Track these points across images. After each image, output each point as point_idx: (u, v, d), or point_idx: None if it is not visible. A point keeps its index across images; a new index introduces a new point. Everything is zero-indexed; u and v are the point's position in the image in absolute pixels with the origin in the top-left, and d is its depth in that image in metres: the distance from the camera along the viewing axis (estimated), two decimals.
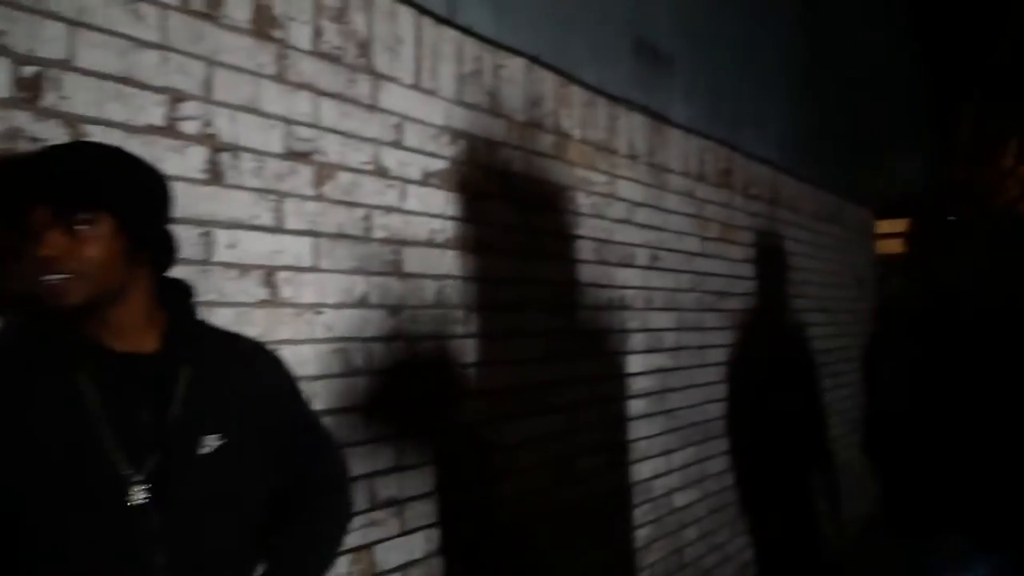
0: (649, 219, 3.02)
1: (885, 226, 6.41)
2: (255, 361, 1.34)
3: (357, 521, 1.82)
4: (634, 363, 2.88)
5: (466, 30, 2.15)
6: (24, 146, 1.27)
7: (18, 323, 1.18)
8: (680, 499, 3.17)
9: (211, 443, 1.17)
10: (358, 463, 1.83)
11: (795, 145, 4.33)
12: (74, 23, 1.33)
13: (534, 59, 2.40)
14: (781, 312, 4.15)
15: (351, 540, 1.81)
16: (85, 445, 1.07)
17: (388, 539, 1.93)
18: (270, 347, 1.40)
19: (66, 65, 1.32)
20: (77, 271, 1.05)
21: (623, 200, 2.86)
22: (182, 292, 1.25)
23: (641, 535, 2.90)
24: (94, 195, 1.07)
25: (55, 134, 1.31)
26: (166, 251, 1.22)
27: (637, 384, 2.90)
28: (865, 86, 5.43)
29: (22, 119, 1.27)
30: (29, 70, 1.28)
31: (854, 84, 5.24)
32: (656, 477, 3.01)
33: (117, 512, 1.08)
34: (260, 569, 1.29)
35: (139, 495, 1.09)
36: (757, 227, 3.93)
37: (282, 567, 1.31)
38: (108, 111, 1.38)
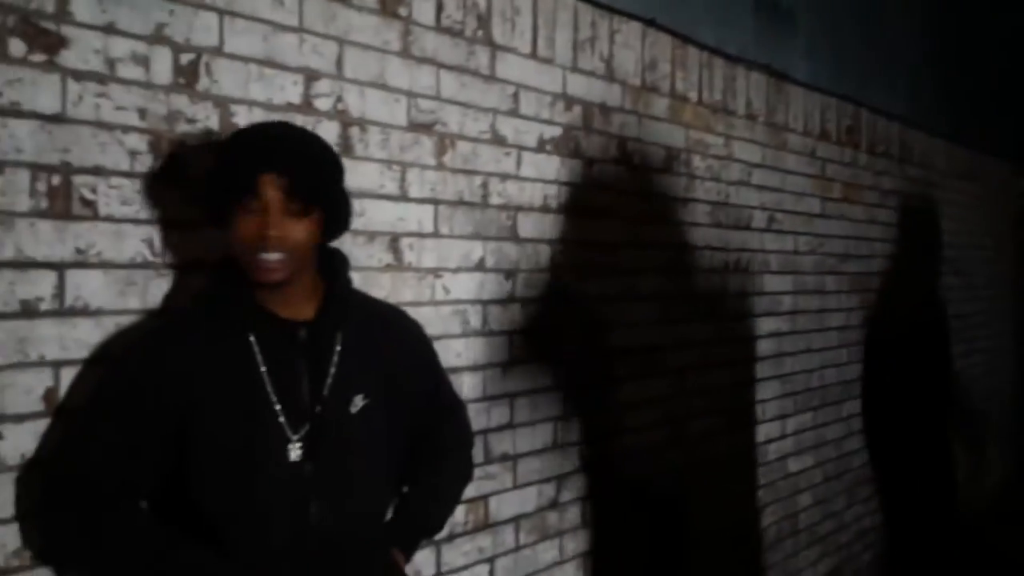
0: (767, 180, 2.96)
1: None
2: (398, 329, 1.44)
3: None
4: (749, 327, 2.86)
5: None
6: (183, 127, 1.40)
7: (196, 295, 1.32)
8: (794, 464, 3.15)
9: (358, 403, 1.29)
10: (474, 419, 1.92)
11: (927, 98, 4.09)
12: (224, 12, 1.45)
13: (650, 22, 2.38)
14: (911, 275, 3.98)
15: (467, 492, 1.92)
16: (256, 403, 1.20)
17: (502, 491, 2.02)
18: (411, 315, 1.50)
19: (217, 51, 1.44)
20: (291, 252, 1.17)
21: (740, 161, 2.81)
22: (339, 262, 1.35)
23: (754, 499, 2.90)
24: (319, 191, 1.19)
25: (209, 114, 1.43)
26: (338, 227, 1.32)
27: (752, 348, 2.88)
28: (1008, 34, 5.02)
29: (181, 102, 1.40)
30: (186, 57, 1.40)
31: (990, 29, 4.85)
32: (770, 441, 2.99)
33: (279, 465, 1.21)
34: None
35: (297, 451, 1.22)
36: (884, 186, 3.76)
37: (408, 515, 1.44)
38: (252, 91, 1.50)
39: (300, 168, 1.16)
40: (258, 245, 1.15)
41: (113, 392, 1.20)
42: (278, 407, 1.22)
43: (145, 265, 1.37)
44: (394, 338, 1.42)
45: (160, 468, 1.20)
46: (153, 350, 1.22)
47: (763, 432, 2.95)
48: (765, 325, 2.95)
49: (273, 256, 1.15)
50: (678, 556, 2.56)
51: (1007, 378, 5.39)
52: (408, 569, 1.76)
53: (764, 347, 2.95)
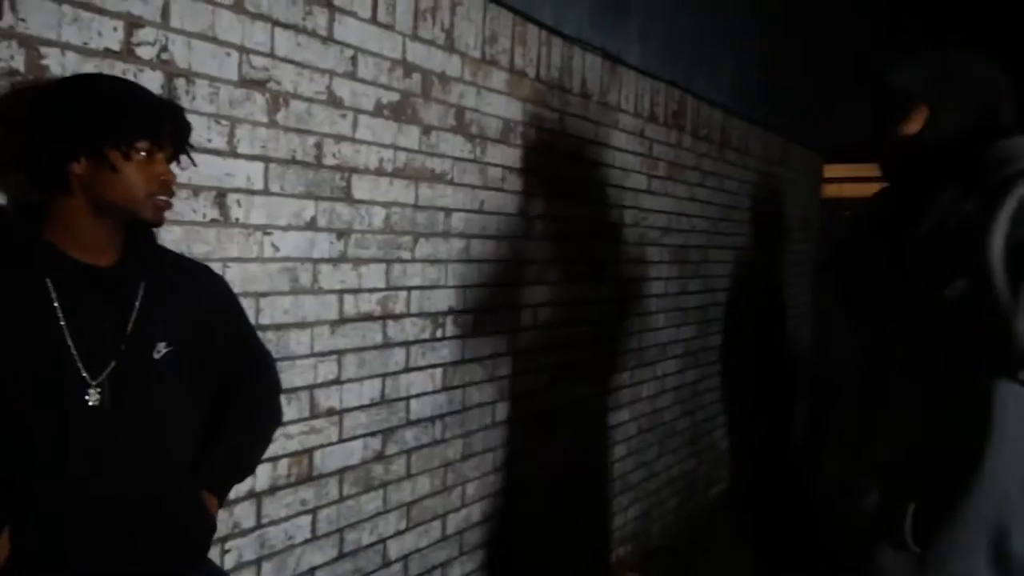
0: (598, 156, 3.08)
1: (832, 170, 6.55)
2: (200, 280, 1.45)
3: (297, 428, 1.95)
4: (574, 291, 3.00)
5: None
6: None
7: None
8: (612, 419, 3.35)
9: (161, 349, 1.28)
10: (300, 375, 1.95)
11: (746, 89, 4.36)
12: None
13: None
14: (726, 249, 4.30)
15: (291, 445, 1.94)
16: (51, 347, 1.17)
17: (327, 445, 2.05)
18: (215, 269, 1.49)
19: None
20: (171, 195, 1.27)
21: (574, 137, 2.91)
22: None
23: (574, 453, 3.06)
24: (187, 142, 1.33)
25: (14, 54, 1.34)
26: None
27: (576, 311, 3.02)
28: (817, 35, 5.46)
29: None
30: None
31: (807, 33, 5.26)
32: (590, 398, 3.17)
33: (78, 411, 1.18)
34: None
35: (96, 396, 1.20)
36: (704, 167, 4.01)
37: (218, 459, 1.43)
38: (65, 34, 1.41)
39: (183, 121, 1.29)
40: (156, 189, 1.24)
41: None
42: (75, 352, 1.19)
43: None
44: (198, 290, 1.43)
45: None
46: None
47: (584, 389, 3.12)
48: (590, 291, 3.10)
49: (167, 197, 1.26)
50: (505, 502, 2.69)
51: (805, 344, 5.95)
52: (226, 520, 1.78)
53: (589, 311, 3.10)
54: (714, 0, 3.93)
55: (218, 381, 1.45)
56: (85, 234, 1.22)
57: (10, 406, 1.14)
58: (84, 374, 1.20)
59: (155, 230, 1.35)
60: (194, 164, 1.45)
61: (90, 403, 1.20)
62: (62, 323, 1.18)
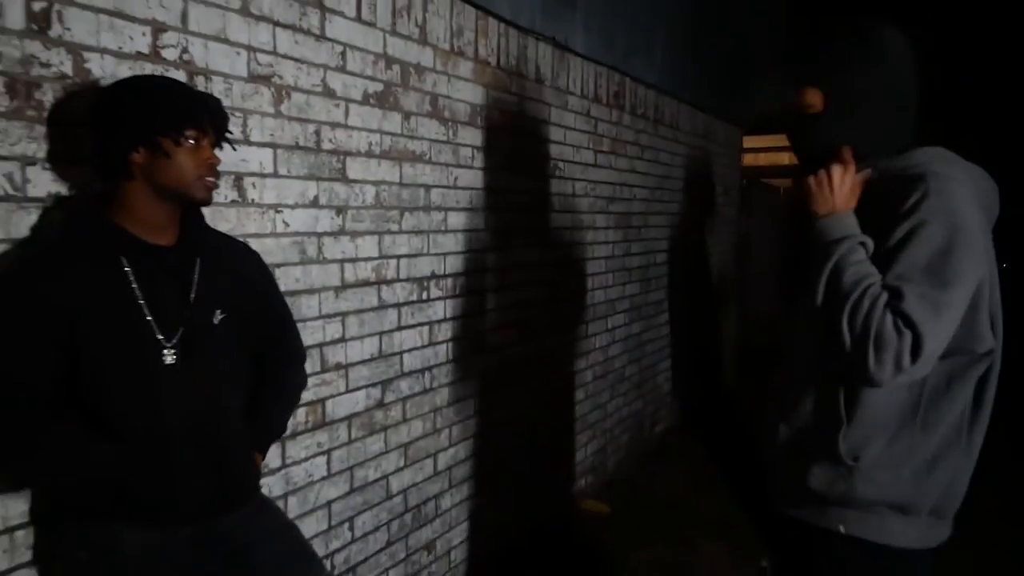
0: (551, 134, 3.23)
1: (750, 142, 6.84)
2: (244, 256, 1.58)
3: (311, 381, 2.08)
4: (536, 255, 3.16)
5: None
6: (37, 71, 1.39)
7: (63, 220, 1.34)
8: (572, 367, 3.54)
9: (218, 315, 1.41)
10: (311, 335, 2.07)
11: (677, 71, 4.55)
12: None
13: None
14: (662, 215, 4.51)
15: (307, 396, 2.08)
16: (131, 317, 1.29)
17: (336, 395, 2.19)
18: (252, 246, 1.61)
19: (69, 1, 1.42)
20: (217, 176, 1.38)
21: (530, 117, 3.06)
22: None
23: (540, 397, 3.26)
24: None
25: (62, 60, 1.42)
26: None
27: (537, 273, 3.18)
28: (737, 17, 5.68)
29: (35, 48, 1.38)
30: (38, 5, 1.38)
31: (727, 15, 5.47)
32: (552, 350, 3.36)
33: (158, 368, 1.31)
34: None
35: (171, 356, 1.32)
36: (641, 142, 4.20)
37: (261, 423, 1.61)
38: (103, 40, 1.49)
39: (222, 111, 1.39)
40: (204, 171, 1.34)
41: (4, 316, 1.22)
42: (150, 319, 1.31)
43: (6, 199, 1.37)
44: (241, 263, 1.56)
45: (55, 380, 1.25)
46: (32, 279, 1.24)
47: (546, 341, 3.30)
48: (548, 254, 3.27)
49: (214, 179, 1.36)
50: (485, 442, 2.87)
51: (729, 296, 6.25)
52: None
53: (548, 273, 3.27)
54: None
55: (257, 342, 1.58)
56: (147, 216, 1.33)
57: (105, 367, 1.26)
58: (160, 338, 1.32)
59: (203, 212, 1.46)
60: (233, 149, 1.55)
61: (167, 362, 1.32)
62: (140, 299, 1.30)
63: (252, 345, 1.57)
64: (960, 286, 1.14)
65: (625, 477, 4.06)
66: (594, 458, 3.84)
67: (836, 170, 1.28)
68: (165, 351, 1.32)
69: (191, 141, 1.33)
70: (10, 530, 1.41)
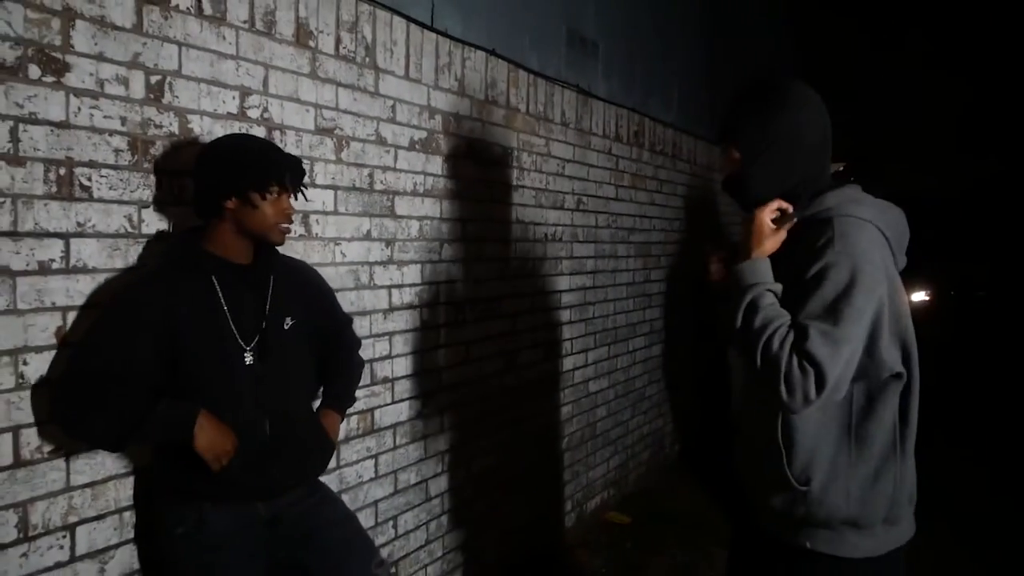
0: (576, 172, 3.47)
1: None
2: (305, 273, 1.85)
3: (362, 392, 2.32)
4: (563, 282, 3.39)
5: (442, 32, 2.53)
6: (152, 132, 1.67)
7: (167, 248, 1.61)
8: (594, 386, 3.73)
9: (288, 323, 1.66)
10: (363, 352, 2.30)
11: (692, 110, 4.77)
12: (182, 44, 1.71)
13: (491, 52, 2.79)
14: (679, 244, 4.71)
15: (359, 405, 2.31)
16: (219, 324, 1.55)
17: (383, 406, 2.43)
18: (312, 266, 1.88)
19: (177, 74, 1.71)
20: (291, 223, 1.61)
21: (556, 158, 3.30)
22: None
23: (564, 412, 3.47)
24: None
25: (171, 122, 1.70)
26: None
27: (565, 298, 3.41)
28: (746, 58, 5.90)
29: (151, 112, 1.67)
30: (154, 78, 1.67)
31: (737, 57, 5.70)
32: (576, 369, 3.55)
33: (240, 369, 1.57)
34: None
35: (250, 358, 1.58)
36: (660, 177, 4.41)
37: (337, 389, 1.88)
38: (202, 104, 1.78)
39: (300, 168, 1.62)
40: (282, 219, 1.59)
41: (117, 321, 1.48)
42: (234, 328, 1.57)
43: (126, 235, 1.64)
44: (305, 279, 1.83)
45: (155, 371, 1.49)
46: (144, 291, 1.50)
47: (571, 362, 3.51)
48: (575, 281, 3.49)
49: (289, 224, 1.61)
50: (514, 453, 3.07)
51: None
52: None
53: (574, 298, 3.48)
54: (661, 38, 4.34)
55: (321, 343, 1.84)
56: (232, 246, 1.59)
57: (198, 362, 1.52)
58: (241, 343, 1.57)
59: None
60: (307, 199, 1.80)
61: (247, 363, 1.58)
62: (225, 309, 1.56)
63: (317, 346, 1.82)
64: (857, 322, 1.24)
65: (645, 491, 4.21)
66: (616, 472, 4.01)
67: (757, 215, 1.38)
68: (245, 354, 1.57)
69: (273, 194, 1.57)
70: (120, 510, 1.66)
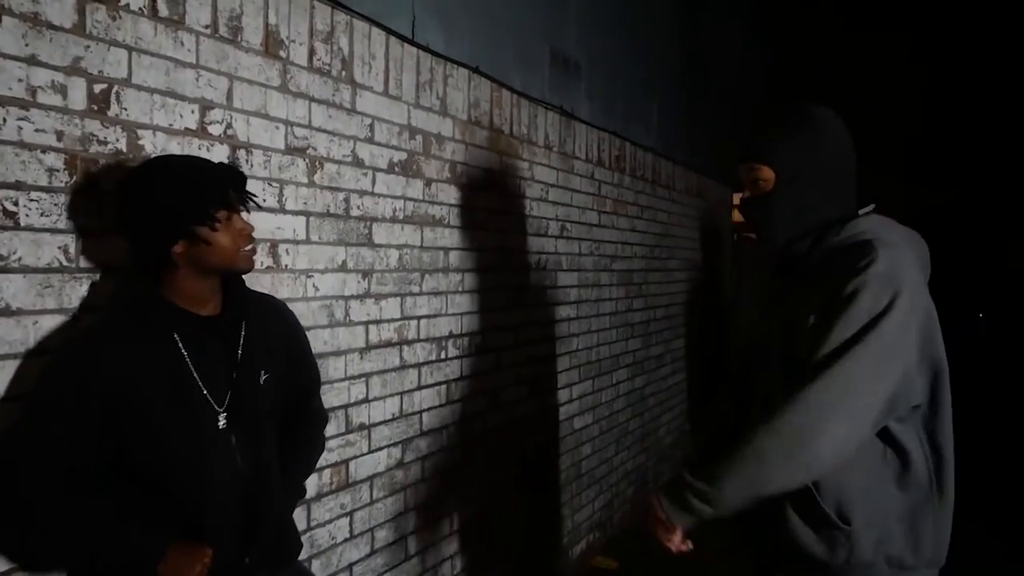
0: (559, 197, 3.30)
1: (739, 199, 6.96)
2: (279, 315, 1.58)
3: (336, 442, 2.07)
4: (547, 313, 3.19)
5: (423, 47, 2.34)
6: (95, 148, 1.42)
7: (116, 298, 1.36)
8: (578, 422, 3.53)
9: (263, 377, 1.41)
10: (337, 396, 2.07)
11: (672, 136, 4.68)
12: (132, 48, 1.48)
13: (475, 69, 2.61)
14: (660, 271, 4.57)
15: (332, 457, 2.06)
16: (186, 388, 1.30)
17: (359, 456, 2.18)
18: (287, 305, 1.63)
19: (126, 82, 1.47)
20: (254, 243, 1.38)
21: (540, 182, 3.12)
22: None
23: (549, 452, 3.25)
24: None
25: (118, 137, 1.46)
26: None
27: (549, 330, 3.21)
28: (724, 89, 5.88)
29: (94, 126, 1.42)
30: (99, 87, 1.42)
31: (716, 88, 5.67)
32: (560, 404, 3.35)
33: (213, 434, 1.31)
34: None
35: (223, 420, 1.32)
36: (641, 203, 4.28)
37: (290, 475, 1.57)
38: (156, 118, 1.54)
39: (242, 177, 1.38)
40: (243, 243, 1.35)
41: (57, 391, 1.22)
42: (204, 391, 1.32)
43: (60, 270, 1.38)
44: (280, 324, 1.57)
45: (102, 455, 1.25)
46: (91, 353, 1.24)
47: (556, 398, 3.30)
48: (559, 312, 3.30)
49: (252, 245, 1.37)
50: (499, 498, 2.84)
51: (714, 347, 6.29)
52: None
53: (558, 330, 3.29)
54: (641, 63, 4.24)
55: (290, 401, 1.57)
56: (194, 291, 1.34)
57: (159, 436, 1.26)
58: (214, 405, 1.32)
59: (243, 277, 1.48)
60: (259, 207, 1.46)
61: (220, 426, 1.32)
62: (193, 371, 1.31)
63: (287, 398, 1.56)
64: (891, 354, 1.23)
65: (631, 532, 4.01)
66: (601, 513, 3.80)
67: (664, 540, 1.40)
68: (219, 416, 1.32)
69: (222, 220, 1.32)
70: None
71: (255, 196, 1.40)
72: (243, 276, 1.47)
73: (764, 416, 1.23)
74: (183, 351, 1.30)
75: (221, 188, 1.33)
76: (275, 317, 1.55)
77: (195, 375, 1.30)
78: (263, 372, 1.42)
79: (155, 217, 1.26)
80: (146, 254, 1.31)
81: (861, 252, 1.27)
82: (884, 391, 1.21)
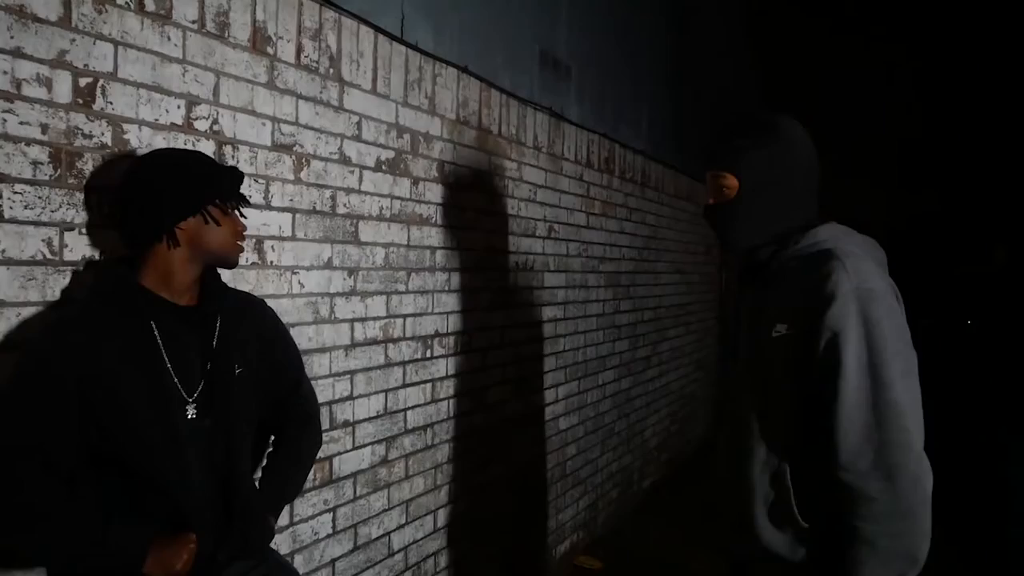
0: (547, 198, 3.31)
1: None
2: (261, 314, 1.59)
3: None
4: (534, 314, 3.20)
5: (412, 46, 2.35)
6: (80, 142, 1.43)
7: (94, 286, 1.36)
8: (564, 423, 3.55)
9: (236, 371, 1.42)
10: (322, 393, 2.08)
11: (661, 138, 4.71)
12: (119, 43, 1.48)
13: (464, 69, 2.62)
14: (647, 273, 4.60)
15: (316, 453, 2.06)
16: (157, 375, 1.30)
17: (343, 452, 2.19)
18: (267, 302, 1.63)
19: (112, 76, 1.48)
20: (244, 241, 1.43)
21: (528, 183, 3.14)
22: None
23: (534, 452, 3.26)
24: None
25: (103, 131, 1.47)
26: None
27: (535, 331, 3.22)
28: (713, 93, 5.91)
29: (79, 120, 1.43)
30: (84, 80, 1.43)
31: (706, 91, 5.70)
32: (546, 405, 3.36)
33: (181, 423, 1.32)
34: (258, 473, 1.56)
35: (193, 410, 1.33)
36: (630, 205, 4.30)
37: (275, 485, 1.54)
38: (141, 113, 1.54)
39: (241, 178, 1.44)
40: (239, 238, 1.40)
41: (33, 382, 1.22)
42: (176, 379, 1.32)
43: (44, 262, 1.39)
44: (258, 321, 1.57)
45: (81, 445, 1.25)
46: (66, 341, 1.24)
47: (542, 398, 3.31)
48: (546, 313, 3.31)
49: (243, 243, 1.43)
50: (484, 497, 2.85)
51: (710, 351, 6.32)
52: None
53: (544, 330, 3.30)
54: (632, 66, 4.26)
55: (272, 399, 1.58)
56: (177, 280, 1.35)
57: (134, 425, 1.27)
58: (183, 394, 1.33)
59: (219, 271, 1.48)
60: (249, 207, 1.54)
61: (189, 416, 1.33)
62: (165, 357, 1.32)
63: (267, 401, 1.57)
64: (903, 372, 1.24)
65: (616, 532, 4.03)
66: (586, 513, 3.81)
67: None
68: (188, 406, 1.33)
69: (233, 211, 1.39)
70: None
71: (248, 200, 1.47)
72: (221, 273, 1.48)
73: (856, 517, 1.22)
74: (158, 340, 1.31)
75: (236, 183, 1.41)
76: (254, 314, 1.56)
77: (168, 364, 1.31)
78: (237, 366, 1.43)
79: (177, 186, 1.31)
80: (148, 225, 1.31)
81: (821, 261, 1.29)
82: (914, 364, 1.26)
